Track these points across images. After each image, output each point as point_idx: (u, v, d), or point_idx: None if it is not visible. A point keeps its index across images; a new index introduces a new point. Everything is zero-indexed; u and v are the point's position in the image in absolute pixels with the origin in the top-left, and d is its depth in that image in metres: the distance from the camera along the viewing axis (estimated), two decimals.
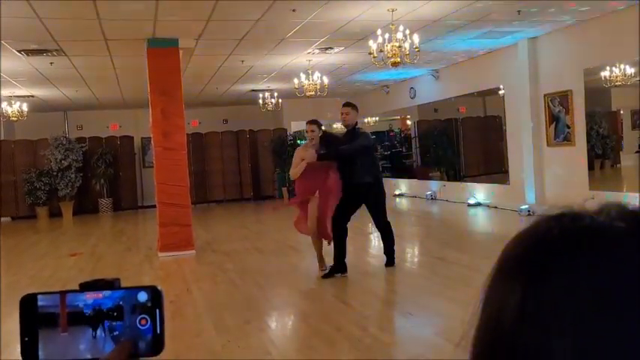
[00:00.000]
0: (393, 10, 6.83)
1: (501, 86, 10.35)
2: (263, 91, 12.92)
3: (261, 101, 12.91)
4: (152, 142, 8.12)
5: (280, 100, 12.99)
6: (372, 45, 7.09)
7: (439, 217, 11.11)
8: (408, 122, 15.82)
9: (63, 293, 0.67)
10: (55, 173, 13.70)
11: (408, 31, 6.99)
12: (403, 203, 13.24)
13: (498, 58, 10.05)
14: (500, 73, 10.11)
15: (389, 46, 6.97)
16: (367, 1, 6.53)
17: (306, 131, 5.91)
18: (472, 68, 10.86)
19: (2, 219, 13.70)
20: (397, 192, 14.07)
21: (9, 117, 11.70)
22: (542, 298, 0.41)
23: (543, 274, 0.42)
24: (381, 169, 7.14)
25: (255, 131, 16.07)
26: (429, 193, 12.74)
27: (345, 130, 5.98)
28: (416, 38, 6.98)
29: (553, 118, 8.97)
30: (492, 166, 12.30)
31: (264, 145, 15.73)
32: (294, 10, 6.79)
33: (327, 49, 9.15)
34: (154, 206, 7.96)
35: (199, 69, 10.07)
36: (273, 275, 6.21)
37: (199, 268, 7.00)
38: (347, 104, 6.01)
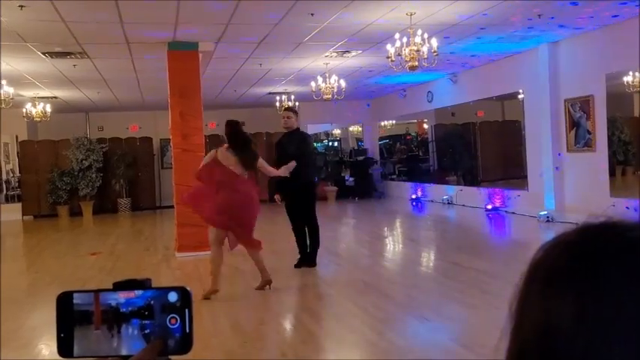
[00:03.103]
0: (411, 14, 6.83)
1: (521, 90, 10.28)
2: (280, 93, 12.99)
3: (278, 104, 12.97)
4: (171, 143, 8.22)
5: (297, 103, 13.04)
6: (390, 49, 7.09)
7: (455, 222, 11.05)
8: (425, 126, 15.77)
9: (97, 292, 0.70)
10: (76, 173, 13.93)
11: (426, 35, 6.99)
12: (419, 207, 13.19)
13: (518, 62, 9.98)
14: (519, 77, 10.04)
15: (407, 49, 6.97)
16: (386, 4, 6.54)
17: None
18: (491, 72, 10.79)
19: (25, 217, 13.97)
20: (413, 196, 14.03)
21: (33, 118, 11.92)
22: (601, 308, 0.40)
23: (603, 284, 0.41)
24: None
25: (271, 134, 16.13)
26: (445, 197, 12.68)
27: (286, 132, 6.40)
28: (434, 42, 6.97)
29: (574, 124, 8.88)
30: (510, 171, 12.20)
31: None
32: (312, 14, 6.83)
33: (344, 52, 9.18)
34: (172, 207, 8.06)
35: (218, 72, 10.17)
36: (288, 277, 6.23)
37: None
38: (287, 109, 6.64)
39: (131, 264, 7.35)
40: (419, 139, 16.45)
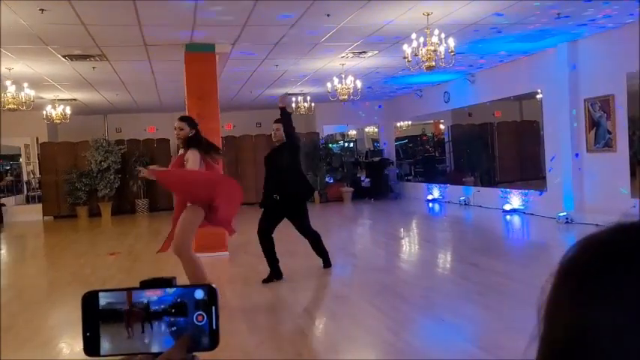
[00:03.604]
0: (428, 14, 6.80)
1: (539, 90, 10.17)
2: (296, 94, 13.02)
3: (294, 105, 12.99)
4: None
5: (313, 104, 13.06)
6: (407, 49, 7.07)
7: (472, 223, 10.97)
8: (442, 126, 15.69)
9: (129, 290, 0.71)
10: (94, 174, 14.10)
11: (443, 35, 6.95)
12: (436, 208, 13.12)
13: (536, 62, 9.88)
14: (538, 76, 9.94)
15: (424, 50, 6.94)
16: (403, 5, 6.52)
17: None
18: (509, 72, 10.70)
19: (45, 218, 14.18)
20: (429, 197, 13.96)
21: (53, 120, 12.10)
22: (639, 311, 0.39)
23: None
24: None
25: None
26: (462, 198, 12.59)
27: (276, 144, 6.07)
28: (451, 42, 6.93)
29: (593, 124, 8.76)
30: (529, 171, 12.08)
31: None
32: (328, 15, 6.83)
33: (360, 53, 9.17)
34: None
35: (234, 73, 10.22)
36: (304, 278, 6.24)
37: (232, 269, 7.10)
38: (278, 120, 6.09)
39: (149, 264, 7.41)
40: (435, 139, 16.37)
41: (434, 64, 6.99)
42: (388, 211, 13.01)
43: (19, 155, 17.44)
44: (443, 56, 6.98)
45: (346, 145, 18.17)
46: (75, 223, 13.50)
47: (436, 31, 6.92)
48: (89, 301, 0.72)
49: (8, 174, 18.42)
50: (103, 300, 0.71)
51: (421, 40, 6.94)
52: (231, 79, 10.72)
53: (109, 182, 14.12)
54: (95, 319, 0.71)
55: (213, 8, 6.36)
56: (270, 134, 6.31)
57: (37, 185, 15.24)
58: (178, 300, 0.70)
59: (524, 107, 12.39)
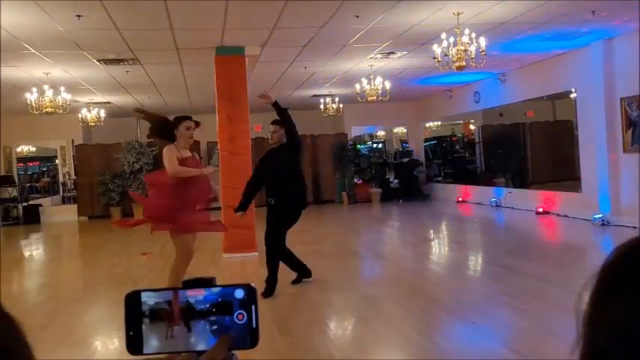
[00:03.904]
0: (458, 14, 6.74)
1: (573, 89, 9.96)
2: (324, 96, 13.04)
3: (322, 106, 13.02)
4: (218, 146, 8.38)
5: (341, 105, 13.06)
6: (437, 49, 7.02)
7: (504, 225, 10.81)
8: (472, 127, 15.50)
9: (171, 290, 0.72)
10: (127, 175, 14.39)
11: (474, 35, 6.88)
12: (466, 210, 12.97)
13: (570, 60, 9.67)
14: (572, 75, 9.73)
15: (454, 49, 6.88)
16: (432, 5, 6.48)
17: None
18: (542, 71, 10.50)
19: (80, 218, 14.53)
20: (459, 198, 13.80)
21: (87, 122, 12.40)
22: None
23: None
24: None
25: (315, 136, 16.22)
26: (493, 199, 12.41)
27: (270, 149, 5.63)
28: (482, 41, 6.85)
29: (630, 123, 8.53)
30: (562, 172, 11.83)
31: (324, 150, 15.87)
32: (357, 17, 6.83)
33: (389, 53, 9.13)
34: (219, 208, 8.19)
35: (263, 75, 10.30)
36: (334, 279, 6.25)
37: (262, 269, 7.10)
38: (275, 122, 5.64)
39: None
40: (465, 140, 16.18)
41: (464, 64, 6.92)
42: (417, 212, 12.92)
43: (56, 157, 17.91)
44: (474, 56, 6.90)
45: (374, 145, 18.12)
46: (108, 223, 13.78)
47: (466, 31, 6.85)
48: (132, 300, 0.73)
49: (45, 175, 18.94)
50: (146, 299, 0.73)
51: (451, 39, 6.88)
52: (261, 81, 10.80)
53: (141, 183, 14.36)
54: (138, 318, 0.72)
55: (243, 11, 6.43)
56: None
57: (73, 186, 15.62)
58: (219, 299, 0.71)
59: (558, 107, 12.14)
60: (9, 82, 9.45)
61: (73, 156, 15.37)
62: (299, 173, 5.71)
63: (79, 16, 6.09)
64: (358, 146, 16.84)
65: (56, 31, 6.65)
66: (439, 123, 16.44)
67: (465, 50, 6.85)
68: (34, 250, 11.04)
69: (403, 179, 15.45)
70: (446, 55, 6.94)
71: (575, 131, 10.13)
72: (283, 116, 5.56)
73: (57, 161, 17.93)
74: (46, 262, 9.44)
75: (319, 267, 6.89)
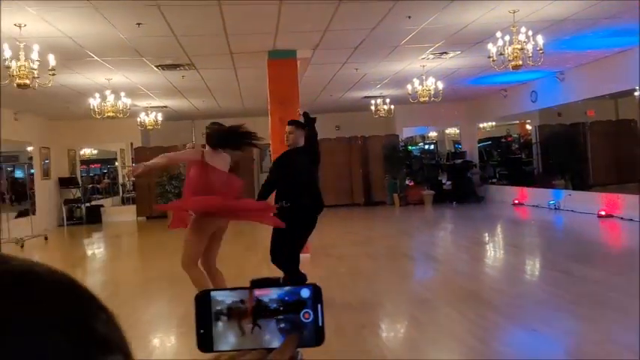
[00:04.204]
0: (514, 12, 6.57)
1: (637, 87, 9.51)
2: (375, 97, 12.99)
3: (373, 107, 12.98)
4: (270, 148, 8.50)
5: (392, 107, 12.97)
6: (492, 48, 6.87)
7: (564, 228, 10.44)
8: (528, 127, 15.05)
9: (240, 290, 0.75)
10: (183, 178, 14.78)
11: (530, 32, 6.69)
12: (522, 212, 12.60)
13: (634, 57, 9.24)
14: (635, 73, 9.29)
15: (510, 48, 6.72)
16: (487, 4, 6.35)
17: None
18: (603, 68, 10.09)
19: (138, 218, 15.07)
20: (515, 201, 13.43)
21: (146, 126, 12.85)
22: None
23: None
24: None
25: (366, 137, 16.18)
26: (551, 202, 12.01)
27: (287, 150, 5.32)
28: (540, 39, 6.65)
29: None
30: (626, 174, 11.32)
31: (375, 151, 15.82)
32: (409, 17, 6.78)
33: (442, 54, 9.01)
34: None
35: (315, 77, 10.37)
36: (386, 281, 6.22)
37: (313, 270, 7.17)
38: (291, 122, 5.37)
39: (233, 263, 7.67)
40: (521, 140, 15.73)
41: (521, 62, 6.74)
42: (471, 214, 12.67)
43: (115, 159, 18.65)
44: (530, 54, 6.71)
45: (426, 147, 17.90)
46: (165, 223, 14.21)
47: (523, 29, 6.67)
48: (202, 300, 0.76)
49: (106, 177, 19.74)
50: (215, 299, 0.76)
51: (507, 38, 6.72)
52: (312, 83, 10.89)
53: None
54: (208, 317, 0.75)
55: (296, 15, 6.50)
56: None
57: (132, 187, 16.21)
58: (286, 298, 0.73)
59: (621, 106, 11.62)
60: (73, 88, 9.93)
61: (132, 158, 15.94)
62: (316, 177, 5.57)
63: (139, 24, 6.33)
64: (409, 147, 16.68)
65: (118, 39, 6.93)
66: (493, 123, 16.05)
67: (522, 49, 6.68)
68: (95, 248, 11.52)
69: (456, 181, 15.18)
70: (501, 54, 6.78)
71: (639, 131, 9.67)
72: (308, 121, 5.37)
73: (117, 163, 18.67)
74: (107, 261, 9.84)
75: (370, 269, 6.88)
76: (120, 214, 15.22)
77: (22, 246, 10.86)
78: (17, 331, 0.35)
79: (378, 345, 4.11)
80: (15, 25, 5.98)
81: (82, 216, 14.94)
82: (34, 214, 12.85)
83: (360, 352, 3.95)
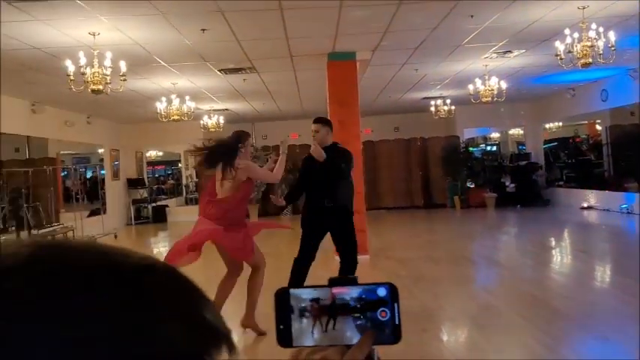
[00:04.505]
0: (584, 8, 6.31)
1: None
2: (435, 98, 12.80)
3: (433, 109, 12.79)
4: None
5: (453, 107, 12.74)
6: (559, 46, 6.63)
7: (637, 234, 9.91)
8: (598, 127, 14.40)
9: (318, 287, 0.77)
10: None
11: (601, 29, 6.40)
12: (592, 216, 12.06)
13: None
14: None
15: (579, 46, 6.45)
16: (554, 0, 6.13)
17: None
18: None
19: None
20: (585, 204, 12.86)
21: (208, 129, 13.22)
22: None
23: None
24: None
25: (426, 139, 15.97)
26: (623, 206, 11.43)
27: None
28: (611, 35, 6.36)
29: None
30: None
31: (435, 153, 15.59)
32: (472, 16, 6.65)
33: (505, 52, 8.77)
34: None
35: (374, 79, 10.34)
36: (447, 285, 6.11)
37: (374, 273, 7.16)
38: (317, 120, 5.11)
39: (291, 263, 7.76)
40: (590, 141, 15.06)
41: (590, 60, 6.47)
42: (536, 218, 12.24)
43: (179, 161, 19.30)
44: (601, 52, 6.42)
45: (488, 148, 17.45)
46: None
47: (593, 25, 6.39)
48: (282, 297, 0.79)
49: (170, 178, 20.46)
50: (294, 295, 0.78)
51: (575, 35, 6.46)
52: (371, 85, 10.86)
53: (257, 186, 15.03)
54: (287, 313, 0.78)
55: (356, 17, 6.51)
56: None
57: (195, 188, 16.72)
58: (363, 296, 0.75)
59: None
60: (141, 93, 10.36)
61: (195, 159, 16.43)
62: (350, 176, 5.15)
63: (204, 30, 6.53)
64: (471, 149, 16.32)
65: (183, 45, 7.18)
66: (560, 124, 15.46)
67: (592, 46, 6.40)
68: (161, 247, 11.96)
69: (520, 183, 14.71)
70: (569, 51, 6.53)
71: None
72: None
73: (180, 165, 19.31)
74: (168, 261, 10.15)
75: (431, 273, 6.79)
76: (184, 214, 15.70)
77: None
78: (142, 318, 0.38)
79: (439, 349, 4.05)
80: (89, 33, 6.30)
81: (148, 215, 15.54)
82: (104, 213, 13.49)
83: (422, 355, 3.91)
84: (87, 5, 5.48)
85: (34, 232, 10.10)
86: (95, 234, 11.69)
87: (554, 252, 8.73)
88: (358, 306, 0.75)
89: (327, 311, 0.76)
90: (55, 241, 0.42)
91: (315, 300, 0.77)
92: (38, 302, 0.35)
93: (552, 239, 9.85)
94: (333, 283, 0.77)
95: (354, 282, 0.76)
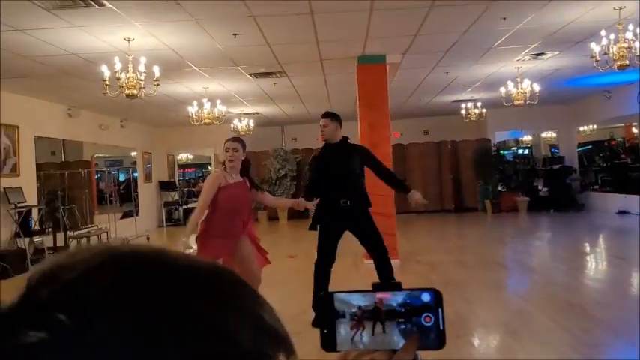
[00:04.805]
0: (620, 9, 6.17)
1: None
2: (466, 101, 12.67)
3: (463, 111, 12.66)
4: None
5: (484, 110, 12.58)
6: (595, 47, 6.49)
7: None
8: (634, 130, 14.02)
9: (362, 292, 0.78)
10: (273, 181, 15.23)
11: (638, 30, 6.25)
12: (629, 222, 11.74)
13: None
14: None
15: (615, 47, 6.31)
16: (588, 2, 6.02)
17: (226, 150, 4.43)
18: None
19: None
20: (621, 209, 12.53)
21: (239, 132, 13.36)
22: None
23: None
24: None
25: (456, 142, 15.80)
26: None
27: (325, 144, 4.89)
28: None
29: None
30: None
31: (465, 156, 15.42)
32: (504, 19, 6.57)
33: (538, 54, 8.63)
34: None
35: (404, 82, 10.30)
36: (479, 290, 6.03)
37: (404, 277, 7.12)
38: (325, 114, 4.92)
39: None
40: (626, 144, 14.68)
41: (627, 62, 6.32)
42: (570, 223, 11.99)
43: (209, 164, 19.51)
44: (638, 53, 6.27)
45: (520, 151, 17.17)
46: (256, 226, 14.63)
47: (630, 26, 6.24)
48: (326, 300, 0.80)
49: (201, 180, 20.71)
50: (339, 300, 0.79)
51: (611, 37, 6.32)
52: (401, 88, 10.82)
53: (286, 189, 15.13)
54: (331, 317, 0.79)
55: (386, 21, 6.50)
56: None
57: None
58: (408, 301, 0.75)
59: None
60: (174, 97, 10.54)
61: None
62: (363, 172, 5.02)
63: (235, 34, 6.61)
64: (502, 152, 16.08)
65: (215, 50, 7.28)
66: (594, 127, 15.11)
67: (629, 47, 6.25)
68: (194, 251, 12.11)
69: (554, 187, 14.43)
70: (605, 53, 6.39)
71: None
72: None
73: (210, 167, 19.53)
74: None
75: (462, 277, 6.71)
76: None
77: None
78: (210, 319, 0.39)
79: (472, 355, 4.00)
80: (124, 39, 6.45)
81: (179, 218, 15.76)
82: (137, 215, 13.74)
83: None
84: (122, 12, 5.62)
85: (69, 233, 10.36)
86: (128, 236, 11.92)
87: (588, 258, 8.53)
88: (403, 310, 0.75)
89: (372, 316, 0.77)
90: (124, 246, 0.43)
91: (360, 305, 0.78)
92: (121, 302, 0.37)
93: (587, 244, 9.64)
94: (377, 287, 0.78)
95: (398, 287, 0.77)
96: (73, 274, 0.39)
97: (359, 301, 0.78)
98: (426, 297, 0.75)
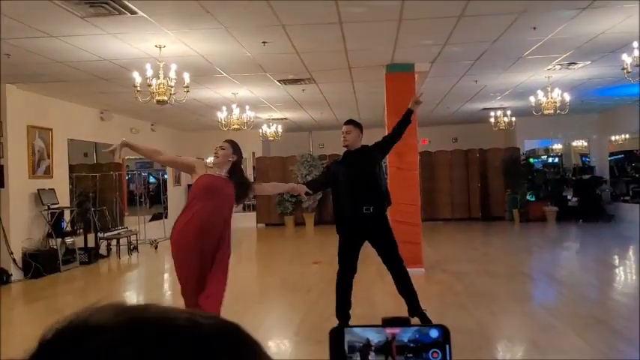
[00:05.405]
0: None
1: None
2: (495, 109, 12.55)
3: (492, 120, 12.55)
4: (386, 161, 8.53)
5: (514, 119, 12.44)
6: (626, 59, 6.39)
7: None
8: None
9: (373, 327, 0.81)
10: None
11: None
12: None
13: None
14: None
15: None
16: (621, 12, 5.92)
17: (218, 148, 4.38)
18: None
19: (258, 225, 15.82)
20: None
21: (267, 137, 13.51)
22: None
23: None
24: None
25: (485, 150, 15.64)
26: None
27: (346, 151, 4.98)
28: None
29: None
30: None
31: (494, 164, 15.25)
32: (534, 29, 6.52)
33: (569, 64, 8.51)
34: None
35: (432, 90, 10.26)
36: (505, 301, 5.98)
37: (429, 287, 7.09)
38: (348, 121, 5.05)
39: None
40: None
41: None
42: (600, 234, 11.75)
43: None
44: None
45: (550, 160, 16.90)
46: (283, 231, 14.79)
47: None
48: (336, 335, 0.83)
49: None
50: (349, 334, 0.82)
51: None
52: (429, 96, 10.77)
53: (313, 195, 15.18)
54: (341, 351, 0.82)
55: (415, 30, 6.52)
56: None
57: (252, 196, 17.04)
58: (416, 337, 0.79)
59: None
60: (203, 102, 10.72)
61: (254, 167, 16.77)
62: (385, 177, 5.12)
63: (264, 42, 6.71)
64: (531, 161, 15.86)
65: (244, 57, 7.39)
66: (626, 136, 14.78)
67: None
68: None
69: (583, 197, 14.17)
70: (637, 65, 6.28)
71: None
72: (408, 116, 5.17)
73: None
74: (230, 265, 10.42)
75: (488, 288, 6.66)
76: (241, 221, 16.00)
77: (155, 247, 11.87)
78: None
79: None
80: (156, 46, 6.61)
81: None
82: (166, 217, 13.97)
83: None
84: (154, 20, 5.76)
85: (100, 234, 10.61)
86: (157, 237, 12.13)
87: (617, 270, 8.36)
88: (411, 345, 0.79)
89: (384, 351, 0.80)
90: (135, 307, 0.46)
91: (369, 339, 0.81)
92: None
93: (616, 257, 9.44)
94: (386, 323, 0.82)
95: (407, 323, 0.81)
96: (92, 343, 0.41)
97: (369, 335, 0.82)
98: (434, 333, 0.79)
